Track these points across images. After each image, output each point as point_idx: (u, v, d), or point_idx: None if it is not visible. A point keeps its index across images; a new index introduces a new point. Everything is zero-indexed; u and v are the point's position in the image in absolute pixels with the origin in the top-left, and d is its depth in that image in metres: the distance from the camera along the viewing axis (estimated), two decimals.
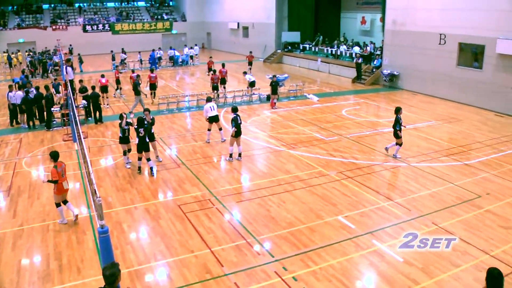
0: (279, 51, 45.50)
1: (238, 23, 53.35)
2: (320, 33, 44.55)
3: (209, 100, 18.55)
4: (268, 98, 25.96)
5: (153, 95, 26.80)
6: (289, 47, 44.82)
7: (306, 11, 45.44)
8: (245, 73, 27.99)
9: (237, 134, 16.10)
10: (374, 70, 33.00)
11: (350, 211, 12.35)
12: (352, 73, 34.69)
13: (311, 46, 42.54)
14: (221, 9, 57.23)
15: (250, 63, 37.89)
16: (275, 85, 24.56)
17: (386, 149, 16.99)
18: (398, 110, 16.22)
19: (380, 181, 14.60)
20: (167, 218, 12.09)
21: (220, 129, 18.69)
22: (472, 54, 25.88)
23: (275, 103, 24.98)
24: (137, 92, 23.52)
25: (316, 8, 45.62)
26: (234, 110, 16.43)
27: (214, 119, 18.11)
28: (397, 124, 15.99)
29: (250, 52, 39.05)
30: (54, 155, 11.59)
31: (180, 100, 25.98)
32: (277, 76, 26.33)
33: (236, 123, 15.92)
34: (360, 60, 33.25)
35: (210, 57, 35.59)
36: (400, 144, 16.41)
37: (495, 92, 23.96)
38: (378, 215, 12.17)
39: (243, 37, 53.31)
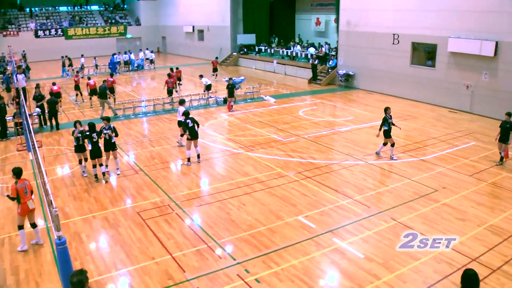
0: (234, 53, 45.55)
1: (193, 27, 53.09)
2: (275, 35, 44.88)
3: (181, 103, 18.50)
4: (225, 101, 25.92)
5: (112, 99, 26.16)
6: (245, 50, 44.88)
7: (261, 13, 45.56)
8: (201, 76, 27.87)
9: (193, 137, 16.04)
10: (329, 70, 33.42)
11: (310, 211, 12.44)
12: (308, 74, 35.03)
13: (266, 48, 42.66)
14: (176, 13, 56.81)
15: (215, 69, 36.76)
16: (231, 87, 24.56)
17: (377, 153, 16.98)
18: (386, 110, 16.37)
19: (338, 180, 14.78)
20: (126, 226, 11.90)
21: (182, 134, 18.46)
22: (425, 53, 26.57)
23: (232, 105, 24.96)
24: (104, 96, 23.68)
25: (271, 10, 45.84)
26: (186, 114, 16.33)
27: (181, 124, 17.95)
28: (385, 123, 16.11)
29: (216, 58, 38.51)
30: (17, 172, 10.62)
31: (136, 105, 25.66)
32: (233, 78, 26.28)
33: (187, 127, 15.87)
34: (315, 61, 33.60)
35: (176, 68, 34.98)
36: (392, 145, 16.46)
37: (448, 89, 24.63)
38: (338, 213, 12.31)
39: (198, 40, 53.10)
